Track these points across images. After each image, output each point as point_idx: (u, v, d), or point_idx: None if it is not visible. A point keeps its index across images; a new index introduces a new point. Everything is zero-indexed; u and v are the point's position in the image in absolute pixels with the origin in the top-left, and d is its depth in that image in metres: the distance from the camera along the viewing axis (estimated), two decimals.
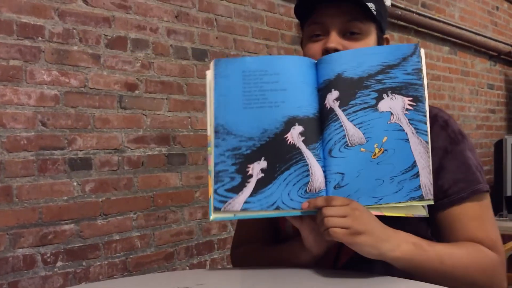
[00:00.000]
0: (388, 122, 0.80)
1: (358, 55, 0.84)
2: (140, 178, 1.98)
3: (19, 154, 1.67)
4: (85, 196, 1.82)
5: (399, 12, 3.33)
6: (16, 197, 1.66)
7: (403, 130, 0.80)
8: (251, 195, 0.76)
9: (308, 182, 0.80)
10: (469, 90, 4.23)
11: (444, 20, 3.80)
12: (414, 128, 0.80)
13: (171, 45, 2.12)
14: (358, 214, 0.78)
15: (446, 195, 0.90)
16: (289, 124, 0.80)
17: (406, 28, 3.52)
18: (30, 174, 1.69)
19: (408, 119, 0.81)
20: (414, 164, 0.80)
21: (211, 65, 0.81)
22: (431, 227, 0.94)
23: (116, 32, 1.94)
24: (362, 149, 0.80)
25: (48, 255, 1.72)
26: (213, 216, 0.74)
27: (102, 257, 1.86)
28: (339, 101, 0.81)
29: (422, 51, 0.85)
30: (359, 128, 0.81)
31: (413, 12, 3.48)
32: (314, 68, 0.85)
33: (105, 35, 1.90)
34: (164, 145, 2.08)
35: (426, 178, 0.81)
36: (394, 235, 0.82)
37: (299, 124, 0.80)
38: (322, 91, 0.83)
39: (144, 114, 2.02)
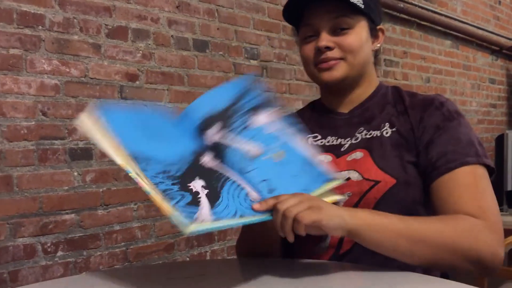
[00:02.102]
0: (268, 132, 0.87)
1: (214, 95, 0.90)
2: None
3: (19, 144, 1.66)
4: (86, 186, 1.81)
5: (402, 5, 3.31)
6: (16, 186, 1.65)
7: (284, 134, 0.88)
8: (212, 208, 0.72)
9: (246, 193, 0.79)
10: (470, 85, 4.22)
11: (446, 14, 3.79)
12: (290, 129, 0.88)
13: (172, 35, 2.11)
14: (309, 197, 0.79)
15: (434, 167, 0.91)
16: (197, 153, 0.81)
17: (408, 21, 3.51)
18: (31, 163, 1.69)
19: (282, 125, 0.89)
20: (307, 156, 0.87)
21: (88, 109, 0.75)
22: (430, 211, 0.93)
23: (117, 22, 1.93)
24: (264, 158, 0.84)
25: (49, 244, 1.71)
26: (189, 229, 0.66)
27: (103, 247, 1.85)
28: (220, 134, 0.85)
29: (261, 80, 0.89)
30: (249, 139, 0.86)
31: (415, 5, 3.46)
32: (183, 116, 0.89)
33: (106, 24, 1.89)
34: None
35: (321, 165, 0.87)
36: (351, 209, 0.85)
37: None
38: (201, 131, 0.86)
39: (145, 105, 2.01)
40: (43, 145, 1.72)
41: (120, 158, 0.70)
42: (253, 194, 0.80)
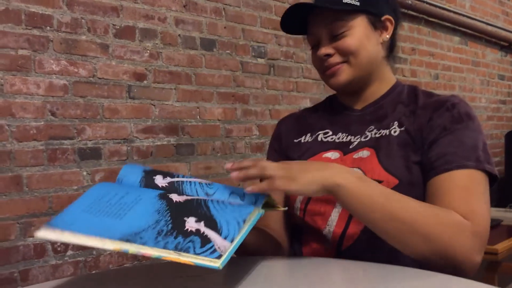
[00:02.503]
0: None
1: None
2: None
3: (29, 144, 1.68)
4: None
5: (410, 2, 3.29)
6: (26, 186, 1.66)
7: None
8: (220, 234, 0.71)
9: (229, 202, 0.81)
10: (479, 81, 4.19)
11: (454, 10, 3.76)
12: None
13: (179, 34, 2.11)
14: (287, 164, 0.82)
15: (432, 166, 0.90)
16: (165, 197, 0.80)
17: (416, 17, 3.49)
18: (40, 163, 1.70)
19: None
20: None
21: (44, 228, 0.71)
22: None
23: (125, 22, 1.93)
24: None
25: (59, 244, 1.72)
26: (220, 265, 0.66)
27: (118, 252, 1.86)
28: (167, 179, 0.86)
29: None
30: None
31: (423, 1, 3.44)
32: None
33: (114, 24, 1.90)
34: (173, 135, 2.08)
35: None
36: (334, 165, 0.83)
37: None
38: (147, 184, 0.86)
39: (152, 104, 2.01)
40: (52, 145, 1.73)
41: (110, 246, 0.69)
42: (234, 201, 0.81)
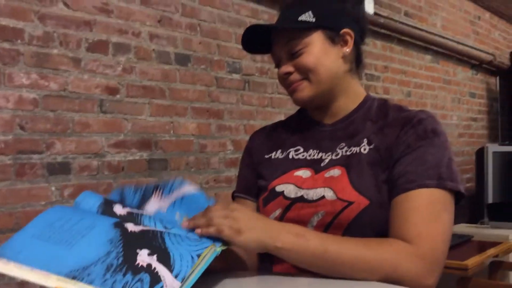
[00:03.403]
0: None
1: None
2: (120, 183, 1.96)
3: None
4: (64, 201, 1.79)
5: (382, 21, 3.36)
6: None
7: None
8: (171, 271, 0.69)
9: (185, 235, 0.80)
10: (451, 99, 4.29)
11: (426, 29, 3.85)
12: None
13: (153, 49, 2.11)
14: (237, 214, 0.83)
15: (394, 185, 0.91)
16: (119, 226, 0.78)
17: (389, 36, 3.56)
18: (7, 178, 1.66)
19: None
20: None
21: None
22: None
23: (98, 36, 1.92)
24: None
25: None
26: None
27: None
28: (126, 209, 0.85)
29: None
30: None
31: (396, 20, 3.52)
32: None
33: (86, 38, 1.89)
34: (146, 150, 2.07)
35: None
36: (276, 227, 0.85)
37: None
38: (104, 211, 0.84)
39: (125, 119, 2.00)
40: (20, 160, 1.70)
41: (54, 283, 0.66)
42: (192, 237, 0.80)
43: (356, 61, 1.05)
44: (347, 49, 1.01)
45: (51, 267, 0.68)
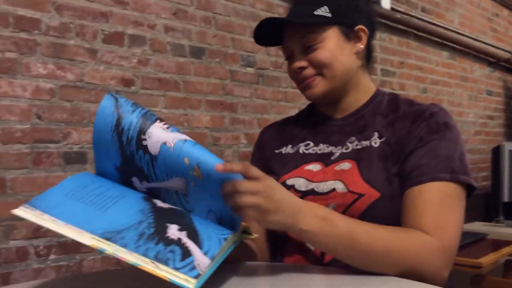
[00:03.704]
0: (172, 151, 0.77)
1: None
2: None
3: (14, 146, 1.67)
4: None
5: (399, 16, 3.34)
6: (9, 189, 1.65)
7: (185, 139, 0.77)
8: (201, 248, 0.69)
9: (211, 219, 0.79)
10: (467, 96, 4.24)
11: (443, 25, 3.81)
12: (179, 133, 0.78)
13: (168, 42, 2.13)
14: (270, 192, 0.76)
15: (407, 178, 0.91)
16: (148, 200, 0.78)
17: (405, 32, 3.53)
18: (24, 166, 1.69)
19: (173, 133, 0.78)
20: (217, 163, 0.76)
21: (24, 207, 0.70)
22: None
23: (114, 27, 1.94)
24: (192, 184, 0.78)
25: (41, 247, 1.71)
26: (197, 284, 0.64)
27: (96, 251, 1.85)
28: (144, 184, 0.81)
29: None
30: (168, 178, 0.79)
31: (412, 16, 3.48)
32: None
33: (102, 30, 1.91)
34: None
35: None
36: (304, 208, 0.80)
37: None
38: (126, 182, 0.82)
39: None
40: (37, 148, 1.72)
41: (88, 241, 0.66)
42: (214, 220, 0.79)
43: (367, 57, 1.06)
44: (361, 46, 1.02)
45: (85, 226, 0.68)
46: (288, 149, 1.08)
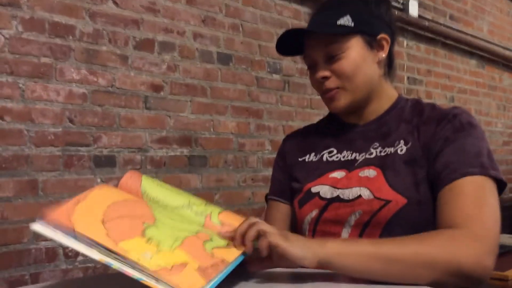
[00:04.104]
0: None
1: None
2: (162, 178, 2.01)
3: (46, 149, 1.72)
4: None
5: (427, 24, 3.31)
6: (41, 190, 1.70)
7: None
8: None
9: None
10: (496, 105, 4.17)
11: (472, 33, 3.77)
12: None
13: (196, 48, 2.16)
14: (285, 233, 0.79)
15: (438, 178, 0.90)
16: None
17: (433, 40, 3.50)
18: (56, 169, 1.74)
19: None
20: None
21: (40, 223, 0.71)
22: None
23: (144, 34, 1.98)
24: None
25: (70, 249, 1.75)
26: None
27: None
28: None
29: None
30: None
31: (440, 24, 3.45)
32: None
33: (134, 36, 1.95)
34: (186, 147, 2.11)
35: None
36: (320, 239, 0.83)
37: None
38: None
39: (168, 115, 2.05)
40: (68, 151, 1.77)
41: (97, 256, 0.68)
42: None
43: (389, 65, 1.05)
44: (383, 54, 1.01)
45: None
46: (311, 157, 1.08)
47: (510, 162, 4.29)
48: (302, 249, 0.77)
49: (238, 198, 2.27)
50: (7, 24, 1.64)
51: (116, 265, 0.68)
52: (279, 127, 2.50)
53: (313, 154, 1.08)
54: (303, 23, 2.59)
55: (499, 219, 0.86)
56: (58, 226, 0.72)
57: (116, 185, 0.89)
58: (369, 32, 0.99)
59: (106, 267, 1.85)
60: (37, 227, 0.71)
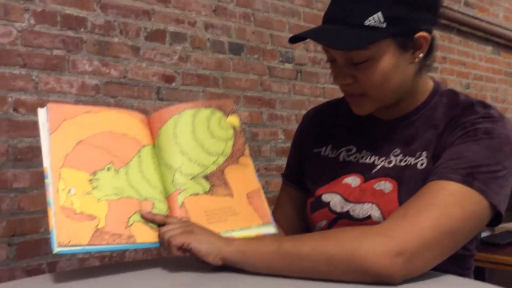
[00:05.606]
0: None
1: None
2: None
3: None
4: None
5: (441, 10, 3.26)
6: None
7: None
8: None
9: None
10: None
11: (487, 20, 3.70)
12: None
13: (208, 39, 2.16)
14: (188, 223, 0.83)
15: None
16: None
17: (448, 26, 3.45)
18: None
19: None
20: None
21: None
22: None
23: (156, 25, 1.99)
24: None
25: None
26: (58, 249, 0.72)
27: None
28: None
29: None
30: None
31: (455, 10, 3.40)
32: None
33: (145, 27, 1.96)
34: None
35: None
36: (226, 238, 0.84)
37: None
38: None
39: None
40: None
41: (46, 163, 0.74)
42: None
43: (426, 55, 0.90)
44: (421, 54, 0.86)
45: None
46: (327, 151, 1.01)
47: None
48: (207, 246, 0.80)
49: None
50: (19, 17, 1.66)
51: (46, 181, 0.73)
52: (292, 116, 2.49)
53: (330, 147, 1.01)
54: (315, 12, 2.58)
55: (449, 233, 0.74)
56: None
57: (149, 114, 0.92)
58: (404, 32, 0.82)
59: (122, 255, 1.87)
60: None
